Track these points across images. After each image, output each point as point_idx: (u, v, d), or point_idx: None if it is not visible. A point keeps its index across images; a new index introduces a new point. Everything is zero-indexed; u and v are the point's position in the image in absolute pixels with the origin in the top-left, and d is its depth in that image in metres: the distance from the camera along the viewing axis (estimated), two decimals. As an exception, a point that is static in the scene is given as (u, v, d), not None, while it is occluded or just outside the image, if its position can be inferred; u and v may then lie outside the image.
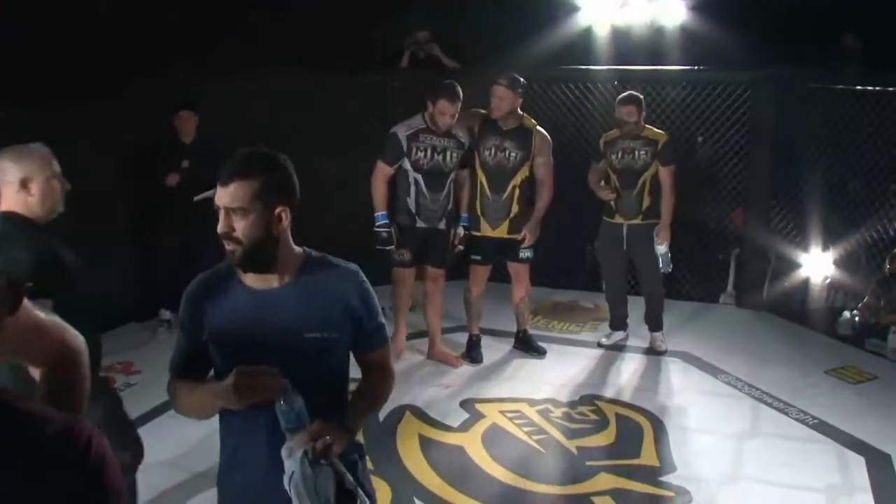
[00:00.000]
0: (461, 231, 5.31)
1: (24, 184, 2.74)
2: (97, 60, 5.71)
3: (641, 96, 5.43)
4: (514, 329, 5.73)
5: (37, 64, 5.25)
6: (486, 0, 7.39)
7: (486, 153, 5.24)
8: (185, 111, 5.70)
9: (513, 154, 5.22)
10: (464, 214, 5.33)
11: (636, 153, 5.38)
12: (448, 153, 5.08)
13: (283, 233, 2.00)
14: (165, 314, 5.86)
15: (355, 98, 6.60)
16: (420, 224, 5.16)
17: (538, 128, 5.33)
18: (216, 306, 2.04)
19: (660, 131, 5.51)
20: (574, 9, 7.42)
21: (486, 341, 5.69)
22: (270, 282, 2.03)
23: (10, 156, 2.76)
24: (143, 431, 4.28)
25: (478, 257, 5.44)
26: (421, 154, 5.03)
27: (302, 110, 6.24)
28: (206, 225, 5.75)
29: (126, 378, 5.14)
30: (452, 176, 5.18)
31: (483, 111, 5.30)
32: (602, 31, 7.46)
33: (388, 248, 5.14)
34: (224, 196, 1.94)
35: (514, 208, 5.32)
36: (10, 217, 2.74)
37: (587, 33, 7.46)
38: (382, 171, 5.07)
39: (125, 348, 5.54)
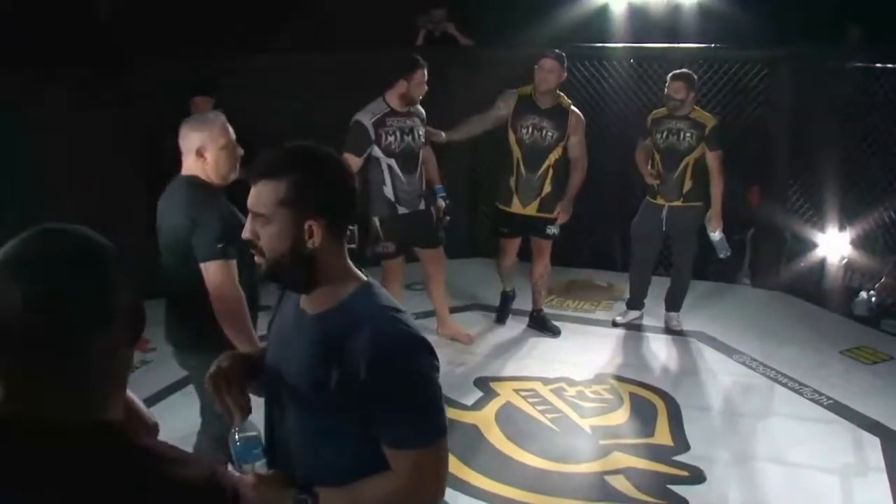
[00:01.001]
0: (441, 203, 5.24)
1: (199, 152, 3.00)
2: (105, 39, 5.70)
3: (694, 76, 5.34)
4: (528, 308, 5.74)
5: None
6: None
7: (523, 131, 5.24)
8: (200, 97, 5.43)
9: (549, 133, 5.23)
10: (438, 186, 5.27)
11: (681, 134, 5.29)
12: (415, 132, 4.96)
13: (322, 251, 1.64)
14: None
15: (369, 77, 6.57)
16: (402, 210, 4.99)
17: (573, 107, 5.33)
18: (279, 309, 1.86)
19: (709, 115, 5.40)
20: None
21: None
22: (312, 305, 1.71)
23: (191, 125, 3.05)
24: (158, 408, 4.36)
25: (505, 230, 5.51)
26: (392, 138, 4.85)
27: (316, 90, 6.22)
28: None
29: (142, 355, 5.17)
30: (422, 156, 5.05)
31: (514, 90, 5.31)
32: (618, 9, 7.39)
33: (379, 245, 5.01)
34: (252, 197, 1.65)
35: (547, 188, 5.32)
36: (192, 181, 3.04)
37: (603, 10, 7.40)
38: (352, 163, 4.66)
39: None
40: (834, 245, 6.16)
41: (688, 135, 5.27)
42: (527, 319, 5.73)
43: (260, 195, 1.63)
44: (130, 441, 1.09)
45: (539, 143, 5.25)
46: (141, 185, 5.34)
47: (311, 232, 1.62)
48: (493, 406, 4.57)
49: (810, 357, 5.19)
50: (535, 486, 3.79)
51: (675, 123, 5.31)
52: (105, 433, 1.08)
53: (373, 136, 4.82)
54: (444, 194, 5.27)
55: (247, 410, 1.72)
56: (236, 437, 1.69)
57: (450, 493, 3.70)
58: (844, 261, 6.18)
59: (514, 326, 5.73)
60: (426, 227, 5.15)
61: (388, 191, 4.94)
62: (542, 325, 5.69)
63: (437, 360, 1.69)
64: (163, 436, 3.54)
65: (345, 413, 1.63)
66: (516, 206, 5.37)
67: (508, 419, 4.42)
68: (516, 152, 5.30)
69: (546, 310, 5.80)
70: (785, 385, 4.83)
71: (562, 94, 5.32)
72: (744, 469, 3.96)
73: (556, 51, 5.19)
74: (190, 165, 3.05)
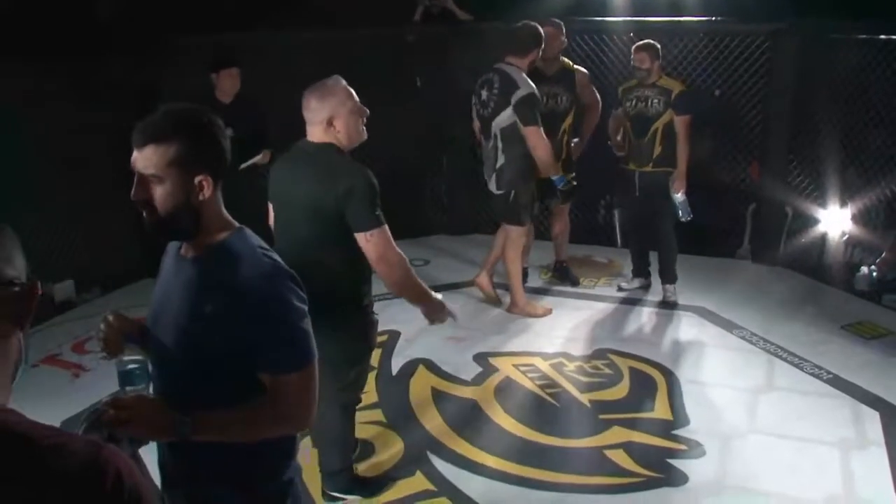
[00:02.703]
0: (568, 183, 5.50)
1: (329, 122, 2.99)
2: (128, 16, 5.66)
3: (658, 45, 5.42)
4: (534, 285, 5.96)
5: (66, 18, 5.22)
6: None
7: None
8: (230, 68, 5.30)
9: (562, 97, 5.50)
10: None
11: (649, 101, 5.40)
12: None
13: (207, 202, 1.81)
14: None
15: (370, 53, 6.52)
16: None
17: (575, 66, 5.63)
18: (164, 263, 2.01)
19: (676, 81, 5.52)
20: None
21: (500, 295, 5.73)
22: (191, 250, 1.88)
23: (316, 95, 3.01)
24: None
25: None
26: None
27: (317, 66, 6.17)
28: (252, 191, 5.69)
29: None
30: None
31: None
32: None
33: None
34: (138, 160, 1.76)
35: (564, 151, 5.55)
36: (329, 149, 3.02)
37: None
38: (543, 136, 5.03)
39: (139, 303, 5.56)
40: (835, 220, 6.13)
41: (655, 101, 5.39)
42: (531, 295, 5.76)
43: (149, 158, 1.75)
44: (4, 428, 1.00)
45: (555, 110, 5.47)
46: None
47: (201, 186, 1.79)
48: (492, 381, 4.56)
49: (811, 332, 5.17)
50: (535, 461, 3.79)
51: (644, 91, 5.43)
52: None
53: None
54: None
55: (118, 348, 1.90)
56: (122, 361, 1.80)
57: (450, 468, 3.72)
58: (845, 236, 6.15)
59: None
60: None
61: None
62: (564, 274, 6.08)
63: (304, 292, 1.88)
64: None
65: (221, 344, 1.78)
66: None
67: (508, 394, 4.42)
68: None
69: (546, 285, 5.87)
70: (785, 360, 4.82)
71: (563, 58, 5.58)
72: (743, 443, 3.95)
73: (553, 19, 5.42)
74: (319, 134, 3.03)
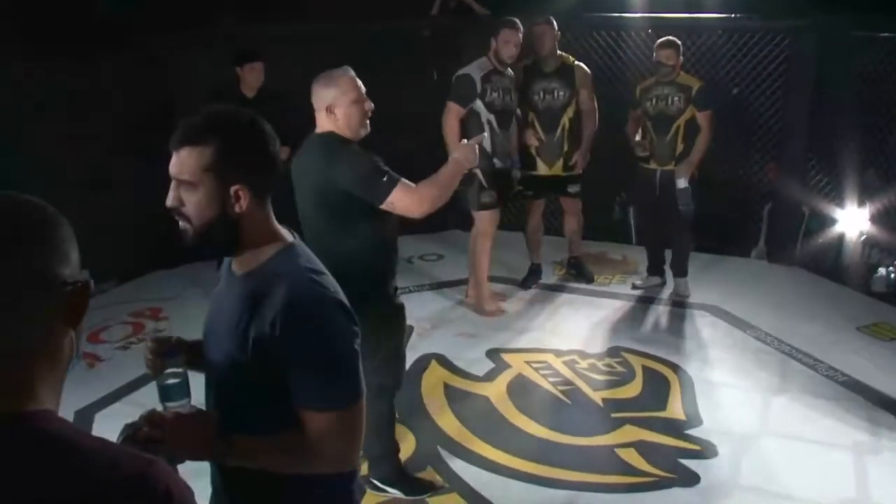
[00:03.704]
0: (517, 174, 5.50)
1: (329, 109, 3.01)
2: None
3: (680, 43, 5.40)
4: (548, 282, 5.97)
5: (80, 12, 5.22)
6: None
7: (536, 97, 5.51)
8: (254, 62, 5.28)
9: (560, 93, 5.49)
10: (515, 156, 5.50)
11: (669, 99, 5.38)
12: (512, 93, 5.28)
13: (248, 215, 1.66)
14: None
15: (387, 45, 6.51)
16: (498, 164, 5.29)
17: (577, 63, 5.58)
18: (221, 273, 1.89)
19: (695, 78, 5.51)
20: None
21: (510, 290, 5.74)
22: (240, 266, 1.75)
23: (320, 83, 3.04)
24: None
25: (530, 192, 5.73)
26: (495, 94, 5.15)
27: (334, 59, 6.16)
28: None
29: (155, 323, 5.20)
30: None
31: (521, 62, 5.48)
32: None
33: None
34: (173, 164, 1.64)
35: (566, 146, 5.58)
36: (327, 137, 3.04)
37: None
38: (455, 112, 5.09)
39: (154, 295, 5.61)
40: (853, 220, 6.07)
41: (675, 98, 5.37)
42: (544, 292, 5.79)
43: (184, 162, 1.62)
44: (51, 437, 0.97)
45: (553, 105, 5.50)
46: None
47: (237, 196, 1.63)
48: (504, 378, 4.55)
49: (826, 333, 5.13)
50: (547, 459, 3.78)
51: (663, 89, 5.42)
52: (20, 426, 0.97)
53: (478, 89, 5.09)
54: (519, 166, 5.53)
55: (158, 367, 1.75)
56: (163, 375, 1.72)
57: (461, 465, 3.72)
58: (863, 237, 6.09)
59: (528, 298, 5.72)
60: (507, 184, 5.45)
61: (487, 143, 5.12)
62: (579, 269, 6.05)
63: (357, 324, 1.72)
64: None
65: (262, 371, 1.65)
66: (542, 169, 5.60)
67: (520, 391, 4.41)
68: (532, 118, 5.54)
69: (559, 282, 5.90)
70: (800, 361, 4.78)
71: (563, 53, 5.56)
72: (756, 444, 3.93)
73: (545, 16, 5.44)
74: (322, 122, 3.07)
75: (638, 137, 5.57)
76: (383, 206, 2.97)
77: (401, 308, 3.30)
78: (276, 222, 1.75)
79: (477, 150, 3.27)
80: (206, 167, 1.61)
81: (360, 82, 3.06)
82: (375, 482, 3.48)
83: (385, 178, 2.96)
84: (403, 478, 3.53)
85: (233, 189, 1.62)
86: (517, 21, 5.15)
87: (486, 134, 5.08)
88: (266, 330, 1.62)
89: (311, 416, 1.65)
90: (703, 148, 5.37)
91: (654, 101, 5.44)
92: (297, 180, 3.13)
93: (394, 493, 3.48)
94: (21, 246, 0.99)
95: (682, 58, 5.44)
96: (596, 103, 5.62)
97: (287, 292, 1.62)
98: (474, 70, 5.11)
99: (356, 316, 1.74)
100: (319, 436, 1.66)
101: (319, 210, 3.05)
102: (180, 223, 1.66)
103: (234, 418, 1.70)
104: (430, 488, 3.54)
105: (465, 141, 3.38)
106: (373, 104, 3.06)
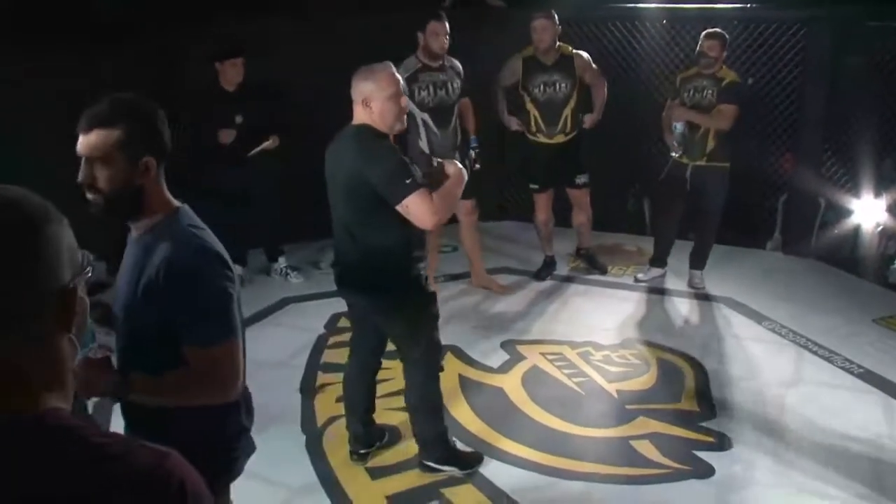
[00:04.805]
0: (472, 153, 5.36)
1: (365, 102, 3.10)
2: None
3: (727, 36, 5.32)
4: (562, 273, 6.00)
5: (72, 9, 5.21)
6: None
7: (536, 90, 5.45)
8: (234, 58, 5.30)
9: (562, 84, 5.44)
10: (472, 137, 5.41)
11: (705, 92, 5.31)
12: (449, 85, 5.15)
13: (150, 183, 1.97)
14: (237, 270, 5.73)
15: (401, 38, 6.48)
16: (437, 162, 5.17)
17: (575, 51, 5.52)
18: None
19: (732, 72, 5.37)
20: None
21: (525, 282, 5.75)
22: (137, 230, 2.05)
23: (359, 76, 3.14)
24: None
25: (535, 186, 5.72)
26: (424, 93, 5.08)
27: (346, 52, 6.14)
28: (262, 175, 5.63)
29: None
30: (457, 109, 5.24)
31: (517, 55, 5.50)
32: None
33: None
34: (84, 145, 1.92)
35: (570, 133, 5.56)
36: (361, 129, 3.14)
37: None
38: None
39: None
40: (869, 212, 6.03)
41: (709, 92, 5.29)
42: (559, 284, 5.82)
43: (94, 142, 1.90)
44: (62, 433, 0.98)
45: (554, 98, 5.46)
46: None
47: (146, 167, 1.94)
48: (519, 369, 4.56)
49: (842, 325, 5.11)
50: (561, 450, 3.79)
51: (701, 81, 5.33)
52: (31, 425, 0.98)
53: (405, 91, 4.87)
54: (475, 145, 5.38)
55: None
56: None
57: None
58: (880, 228, 6.05)
59: (542, 290, 5.73)
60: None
61: (424, 144, 5.13)
62: (590, 261, 6.05)
63: (232, 272, 2.01)
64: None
65: (153, 316, 1.95)
66: (542, 139, 5.56)
67: (535, 382, 4.42)
68: (533, 111, 5.52)
69: (573, 273, 5.92)
70: (815, 353, 4.77)
71: (561, 44, 5.49)
72: (771, 437, 3.92)
73: (546, 10, 5.36)
74: (359, 114, 3.16)
75: (680, 128, 5.36)
76: (398, 208, 3.02)
77: (433, 295, 3.43)
78: (167, 191, 2.03)
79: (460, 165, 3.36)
80: (116, 145, 1.90)
81: (399, 78, 3.18)
82: (430, 464, 3.59)
83: (408, 181, 3.01)
84: (456, 455, 3.63)
85: (142, 162, 1.93)
86: (443, 13, 5.10)
87: (421, 132, 5.10)
88: (153, 278, 1.92)
89: (193, 353, 1.96)
90: (711, 122, 5.23)
91: (691, 91, 5.35)
92: (330, 169, 3.23)
93: (450, 470, 3.58)
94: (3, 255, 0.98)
95: (726, 51, 5.32)
96: (602, 76, 5.60)
97: (170, 246, 1.93)
98: (398, 71, 5.01)
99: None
100: (202, 370, 1.96)
101: (348, 200, 3.15)
102: (91, 196, 1.95)
103: (137, 360, 2.01)
104: (480, 460, 3.67)
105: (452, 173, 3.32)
106: (407, 106, 3.17)
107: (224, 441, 2.15)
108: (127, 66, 5.45)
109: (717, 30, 5.30)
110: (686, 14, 6.29)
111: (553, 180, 5.72)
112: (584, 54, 5.55)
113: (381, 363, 3.73)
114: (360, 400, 3.71)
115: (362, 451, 3.71)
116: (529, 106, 5.52)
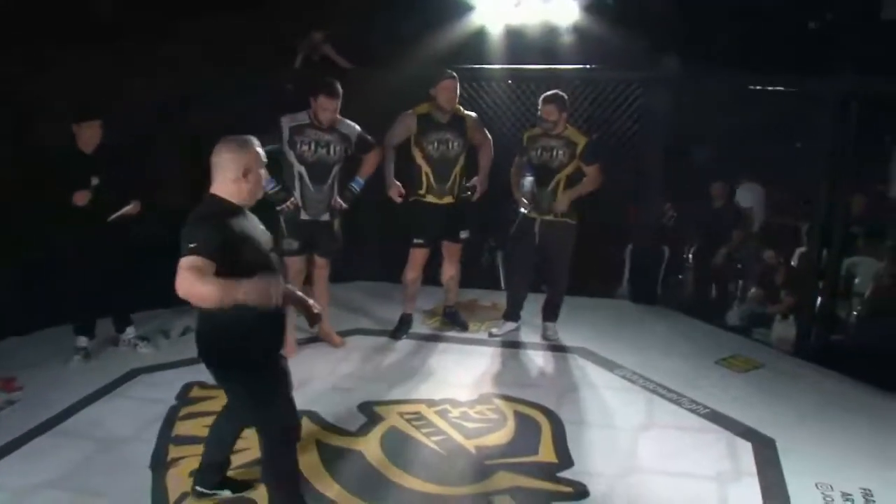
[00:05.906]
0: (349, 192, 5.45)
1: (245, 174, 3.10)
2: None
3: (565, 96, 5.49)
4: (419, 332, 6.02)
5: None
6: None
7: (430, 147, 5.53)
8: (91, 121, 5.14)
9: (454, 143, 5.55)
10: (358, 178, 5.47)
11: (554, 152, 5.46)
12: (332, 147, 5.25)
13: None
14: (82, 341, 5.42)
15: (251, 98, 6.42)
16: (304, 216, 5.31)
17: (466, 112, 5.68)
18: None
19: (581, 133, 5.56)
20: (469, 8, 7.41)
21: (384, 343, 5.73)
22: None
23: (230, 148, 3.12)
24: (25, 452, 4.14)
25: (420, 241, 5.73)
26: (305, 147, 5.20)
27: (200, 109, 6.04)
28: (120, 242, 5.42)
29: (7, 395, 4.88)
30: (336, 170, 5.31)
31: (411, 112, 5.56)
32: (496, 31, 7.46)
33: (285, 204, 5.25)
34: None
35: (455, 193, 5.67)
36: (214, 200, 3.12)
37: (481, 33, 7.45)
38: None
39: (7, 363, 5.27)
40: (706, 259, 6.37)
41: (560, 152, 5.45)
42: (417, 342, 5.82)
43: None
44: None
45: (446, 155, 5.54)
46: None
47: None
48: (377, 431, 4.49)
49: (688, 369, 5.34)
50: (420, 511, 3.74)
51: (549, 141, 5.48)
52: None
53: (286, 138, 5.15)
54: (358, 186, 5.47)
55: None
56: None
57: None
58: (716, 273, 6.40)
59: (398, 348, 5.73)
60: (326, 237, 5.41)
61: (297, 195, 5.26)
62: (454, 318, 6.13)
63: None
64: (31, 479, 3.47)
65: None
66: (432, 199, 5.63)
67: (393, 444, 4.35)
68: (425, 168, 5.57)
69: (430, 331, 5.95)
70: (664, 397, 4.94)
71: (457, 105, 5.62)
72: (626, 481, 4.00)
73: (449, 71, 5.50)
74: (223, 187, 3.13)
75: (528, 185, 5.52)
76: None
77: (269, 373, 3.35)
78: None
79: (268, 291, 2.95)
80: None
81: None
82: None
83: (191, 246, 2.91)
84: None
85: None
86: (336, 86, 5.14)
87: (296, 183, 5.22)
88: None
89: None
90: (584, 191, 5.46)
91: (538, 151, 5.50)
92: None
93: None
94: None
95: (567, 111, 5.50)
96: (489, 138, 5.74)
97: None
98: (287, 119, 5.18)
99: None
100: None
101: None
102: None
103: None
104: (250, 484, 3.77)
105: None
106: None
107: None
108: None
109: (555, 93, 5.47)
110: (529, 75, 6.53)
111: (439, 236, 5.76)
112: (474, 115, 5.72)
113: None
114: (228, 434, 3.72)
115: (207, 491, 3.72)
116: (421, 162, 5.55)
